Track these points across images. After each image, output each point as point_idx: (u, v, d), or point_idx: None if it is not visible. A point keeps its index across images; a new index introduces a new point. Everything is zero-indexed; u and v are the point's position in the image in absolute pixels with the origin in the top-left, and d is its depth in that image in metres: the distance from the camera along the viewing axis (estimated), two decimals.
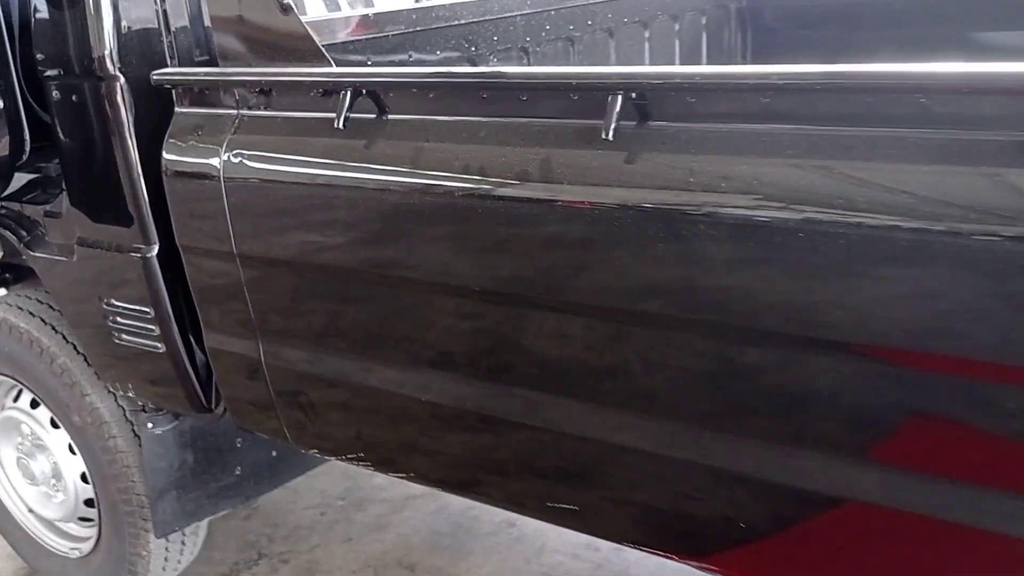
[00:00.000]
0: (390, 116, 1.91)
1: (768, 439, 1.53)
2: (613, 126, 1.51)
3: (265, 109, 2.12)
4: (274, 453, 3.03)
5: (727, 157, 1.44)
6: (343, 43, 2.42)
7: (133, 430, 2.82)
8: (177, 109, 2.27)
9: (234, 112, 2.17)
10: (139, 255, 2.37)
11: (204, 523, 3.13)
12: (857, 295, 1.31)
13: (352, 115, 1.91)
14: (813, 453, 1.48)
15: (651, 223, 1.50)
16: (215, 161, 2.15)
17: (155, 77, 2.22)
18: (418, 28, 2.61)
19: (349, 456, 2.33)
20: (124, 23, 2.19)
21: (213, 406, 2.57)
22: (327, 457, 2.43)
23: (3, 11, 2.39)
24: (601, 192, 1.58)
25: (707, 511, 1.69)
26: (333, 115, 1.89)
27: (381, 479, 4.04)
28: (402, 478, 2.35)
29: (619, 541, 1.99)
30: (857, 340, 1.35)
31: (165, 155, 2.24)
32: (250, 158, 2.11)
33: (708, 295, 1.47)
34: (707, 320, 1.50)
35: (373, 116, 1.93)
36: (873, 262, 1.29)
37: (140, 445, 2.78)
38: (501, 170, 1.72)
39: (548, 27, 3.06)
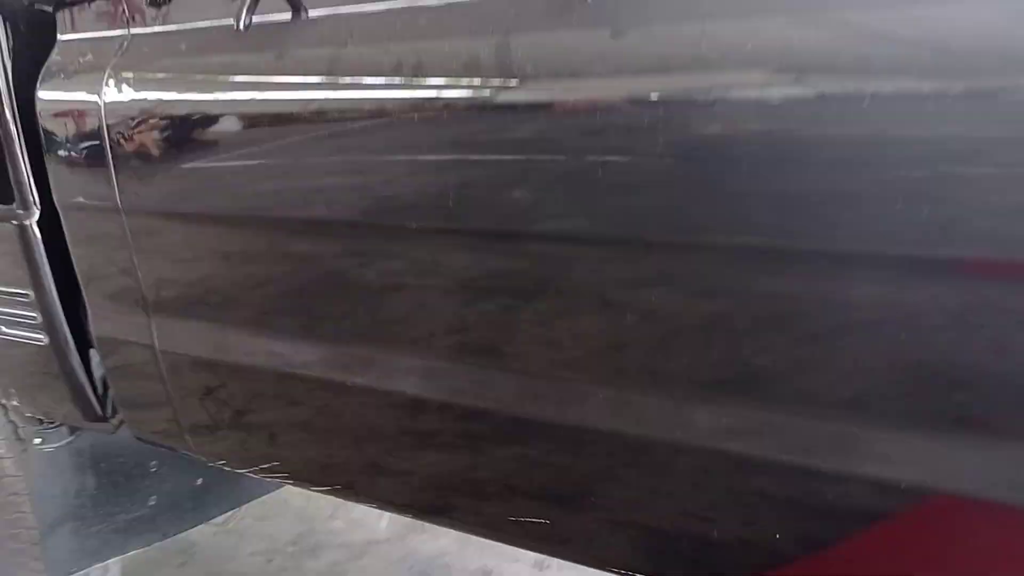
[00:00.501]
0: (310, 14, 1.49)
1: None
2: None
3: (156, 23, 1.71)
4: (200, 481, 2.55)
5: None
6: None
7: (25, 450, 2.35)
8: (60, 37, 1.86)
9: (122, 32, 1.75)
10: (14, 223, 1.93)
11: (116, 567, 2.63)
12: None
13: (259, 17, 1.50)
14: None
15: None
16: (95, 95, 1.72)
17: None
18: None
19: (263, 468, 1.86)
20: None
21: (109, 414, 2.10)
22: (238, 470, 1.96)
23: None
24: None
25: None
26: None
27: (340, 522, 3.54)
28: (331, 494, 1.86)
29: None
30: None
31: (40, 93, 1.82)
32: (136, 85, 1.68)
33: None
34: None
35: (286, 17, 1.51)
36: None
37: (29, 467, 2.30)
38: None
39: None
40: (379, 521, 3.58)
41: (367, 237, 1.47)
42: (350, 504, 3.67)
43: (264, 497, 3.83)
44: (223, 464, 1.95)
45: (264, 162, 1.54)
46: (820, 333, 1.10)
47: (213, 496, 2.60)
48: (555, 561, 3.19)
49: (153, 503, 2.47)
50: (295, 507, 3.73)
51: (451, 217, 1.32)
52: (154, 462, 2.42)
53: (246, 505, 3.71)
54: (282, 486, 2.77)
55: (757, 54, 1.04)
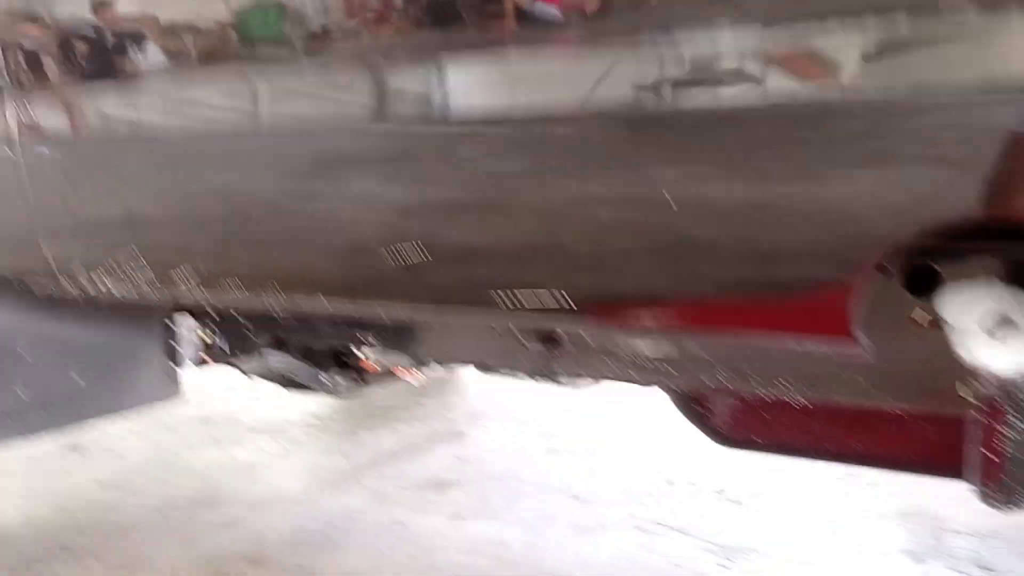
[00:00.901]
0: None
1: None
2: None
3: None
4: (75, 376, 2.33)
5: None
6: None
7: None
8: None
9: None
10: None
11: None
12: None
13: None
14: None
15: None
16: None
17: None
18: None
19: None
20: None
21: None
22: None
23: None
24: None
25: None
26: None
27: (243, 482, 3.28)
28: None
29: None
30: None
31: None
32: None
33: None
34: None
35: None
36: None
37: None
38: None
39: None
40: (287, 481, 3.33)
41: None
42: (259, 466, 3.47)
43: (162, 456, 3.58)
44: None
45: None
46: None
47: (91, 398, 2.36)
48: (471, 511, 2.97)
49: (25, 396, 2.23)
50: (195, 468, 3.46)
51: None
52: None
53: (143, 466, 3.45)
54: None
55: None
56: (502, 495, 3.14)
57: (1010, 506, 1.40)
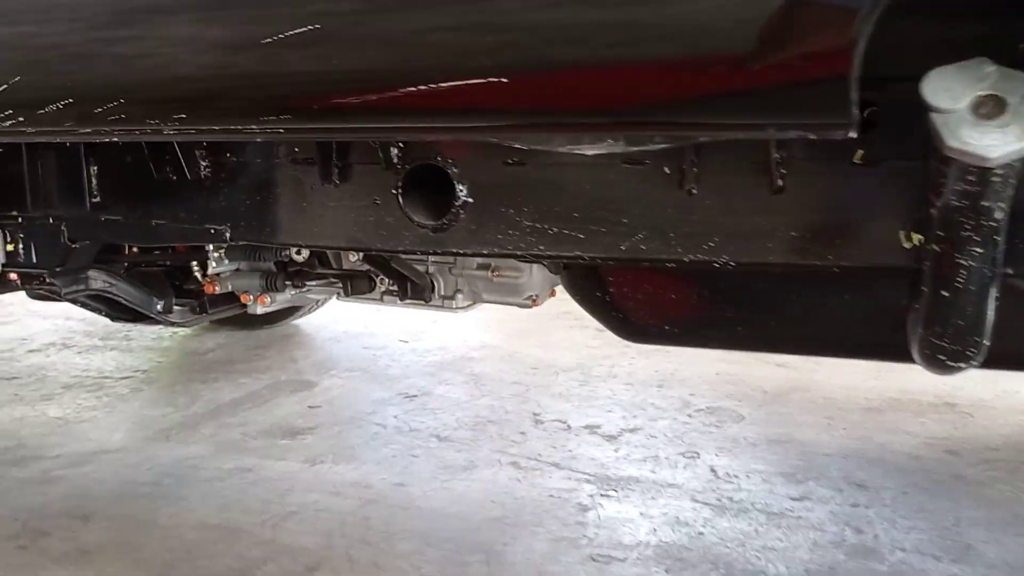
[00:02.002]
0: None
1: None
2: None
3: None
4: None
5: None
6: None
7: None
8: None
9: None
10: None
11: None
12: None
13: None
14: None
15: None
16: None
17: None
18: None
19: None
20: None
21: None
22: None
23: None
24: None
25: None
26: None
27: (58, 437, 2.85)
28: None
29: None
30: None
31: None
32: None
33: None
34: None
35: None
36: None
37: None
38: None
39: None
40: (112, 434, 2.92)
41: None
42: (77, 421, 3.03)
43: None
44: None
45: None
46: None
47: None
48: (328, 455, 2.69)
49: None
50: (1, 427, 2.98)
51: None
52: None
53: None
54: None
55: None
56: (360, 439, 2.87)
57: (958, 364, 1.30)
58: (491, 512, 2.33)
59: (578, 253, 1.49)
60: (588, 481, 2.53)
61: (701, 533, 2.22)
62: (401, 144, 1.56)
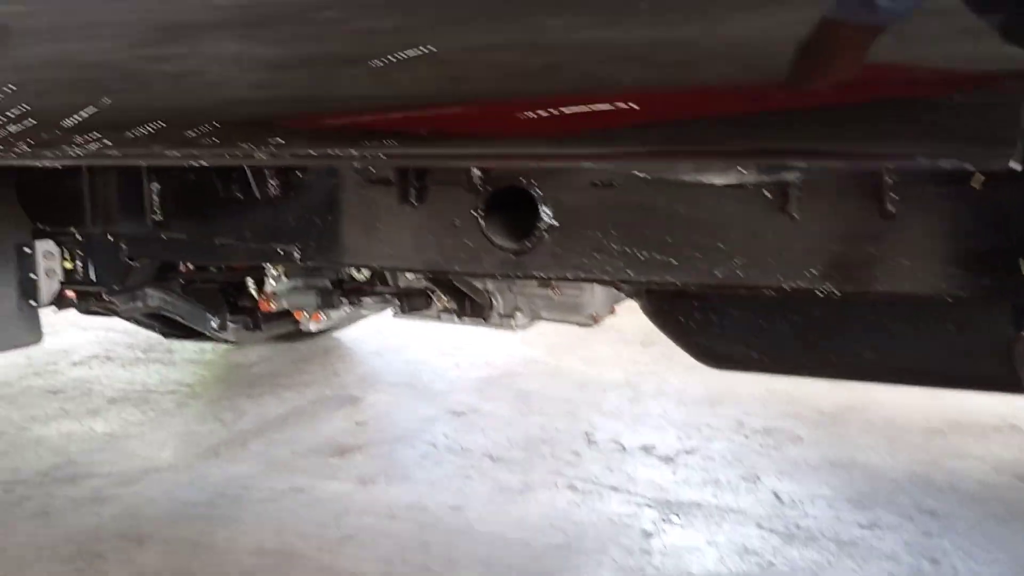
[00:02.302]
0: None
1: None
2: None
3: None
4: None
5: None
6: None
7: None
8: None
9: None
10: None
11: None
12: None
13: None
14: None
15: None
16: None
17: None
18: None
19: None
20: None
21: None
22: None
23: None
24: None
25: None
26: None
27: (108, 454, 2.82)
28: None
29: None
30: None
31: None
32: None
33: None
34: None
35: None
36: None
37: None
38: None
39: None
40: (161, 451, 2.88)
41: None
42: (125, 437, 3.01)
43: (6, 434, 3.05)
44: None
45: None
46: None
47: None
48: (380, 475, 2.64)
49: None
50: (50, 443, 2.95)
51: None
52: None
53: None
54: None
55: None
56: (411, 458, 2.82)
57: None
58: (552, 538, 2.27)
59: (669, 279, 1.43)
60: (649, 506, 2.46)
61: (772, 563, 2.15)
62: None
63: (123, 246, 2.10)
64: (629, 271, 1.46)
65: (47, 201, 2.17)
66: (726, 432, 3.03)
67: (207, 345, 4.16)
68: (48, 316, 2.19)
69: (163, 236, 2.02)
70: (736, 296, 1.58)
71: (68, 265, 2.17)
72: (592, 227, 1.47)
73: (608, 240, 1.46)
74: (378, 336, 4.37)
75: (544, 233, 1.49)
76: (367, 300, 2.50)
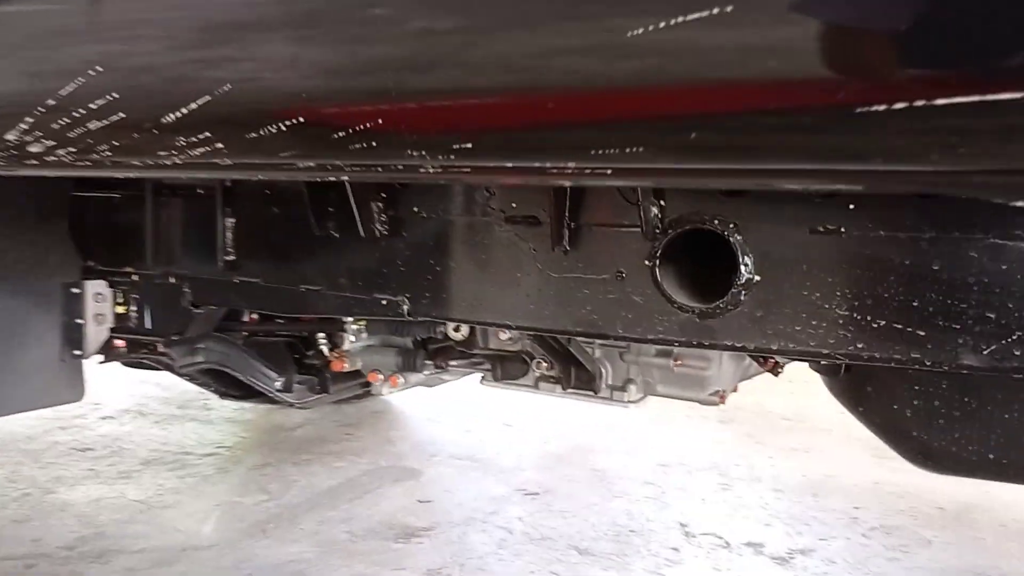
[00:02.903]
0: None
1: None
2: None
3: None
4: None
5: None
6: None
7: None
8: None
9: None
10: None
11: None
12: None
13: None
14: None
15: None
16: None
17: None
18: None
19: None
20: None
21: None
22: None
23: None
24: None
25: None
26: None
27: (142, 527, 2.48)
28: None
29: None
30: None
31: None
32: None
33: None
34: None
35: None
36: None
37: None
38: None
39: None
40: (201, 525, 2.54)
41: None
42: (160, 506, 2.67)
43: (28, 493, 2.72)
44: None
45: None
46: None
47: None
48: (455, 565, 2.29)
49: None
50: (77, 510, 2.62)
51: None
52: None
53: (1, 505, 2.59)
54: None
55: None
56: (485, 546, 2.46)
57: None
58: None
59: (916, 356, 1.10)
60: None
61: None
62: (662, 201, 1.20)
63: (186, 290, 1.79)
64: (858, 345, 1.13)
65: (102, 235, 1.88)
66: (840, 529, 2.66)
67: (247, 403, 3.84)
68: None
69: (235, 280, 1.72)
70: (976, 381, 1.25)
71: (120, 310, 1.87)
72: (809, 286, 1.15)
73: (831, 304, 1.14)
74: (430, 399, 4.02)
75: (742, 291, 1.17)
76: (455, 364, 2.18)
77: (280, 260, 1.65)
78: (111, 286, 1.86)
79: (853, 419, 1.46)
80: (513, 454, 3.32)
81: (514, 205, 1.32)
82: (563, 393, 2.12)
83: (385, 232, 1.46)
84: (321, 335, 2.16)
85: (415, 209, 1.44)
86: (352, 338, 2.02)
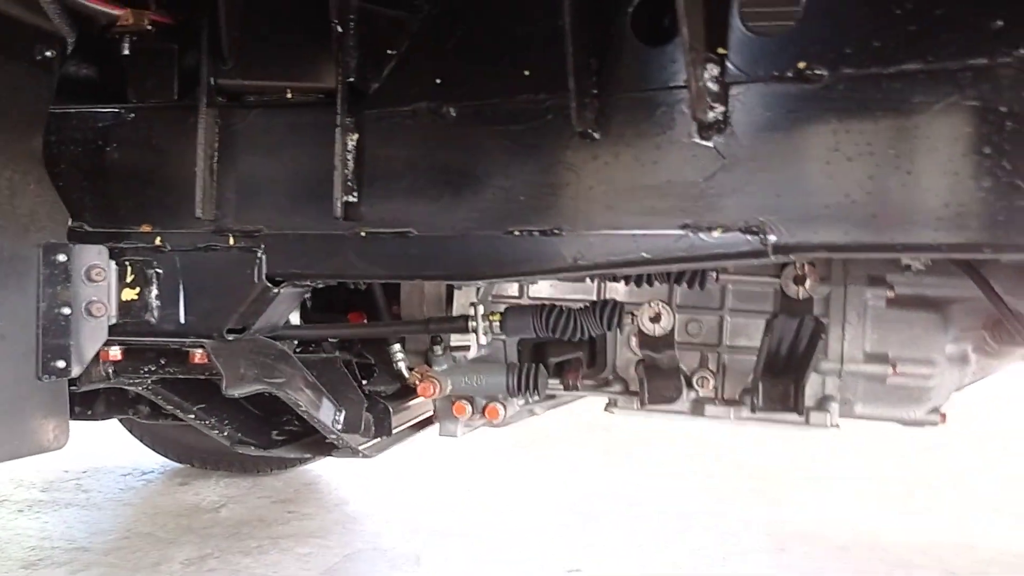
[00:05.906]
0: None
1: None
2: None
3: None
4: None
5: None
6: None
7: None
8: None
9: None
10: None
11: None
12: None
13: None
14: None
15: None
16: None
17: None
18: None
19: None
20: None
21: None
22: None
23: None
24: None
25: None
26: None
27: None
28: None
29: None
30: None
31: None
32: None
33: None
34: None
35: None
36: None
37: None
38: None
39: None
40: None
41: None
42: None
43: None
44: None
45: None
46: None
47: None
48: None
49: None
50: None
51: None
52: None
53: None
54: None
55: None
56: None
57: None
58: None
59: None
60: None
61: None
62: None
63: (261, 256, 1.10)
64: None
65: (103, 175, 1.15)
66: None
67: (133, 480, 2.97)
68: None
69: (362, 232, 1.06)
70: None
71: (130, 295, 1.14)
72: None
73: None
74: (361, 465, 3.22)
75: None
76: (587, 384, 1.55)
77: (461, 192, 1.01)
78: (115, 256, 1.12)
79: None
80: (534, 525, 2.66)
81: None
82: (741, 419, 1.55)
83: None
84: (397, 348, 1.47)
85: None
86: (484, 339, 1.35)
